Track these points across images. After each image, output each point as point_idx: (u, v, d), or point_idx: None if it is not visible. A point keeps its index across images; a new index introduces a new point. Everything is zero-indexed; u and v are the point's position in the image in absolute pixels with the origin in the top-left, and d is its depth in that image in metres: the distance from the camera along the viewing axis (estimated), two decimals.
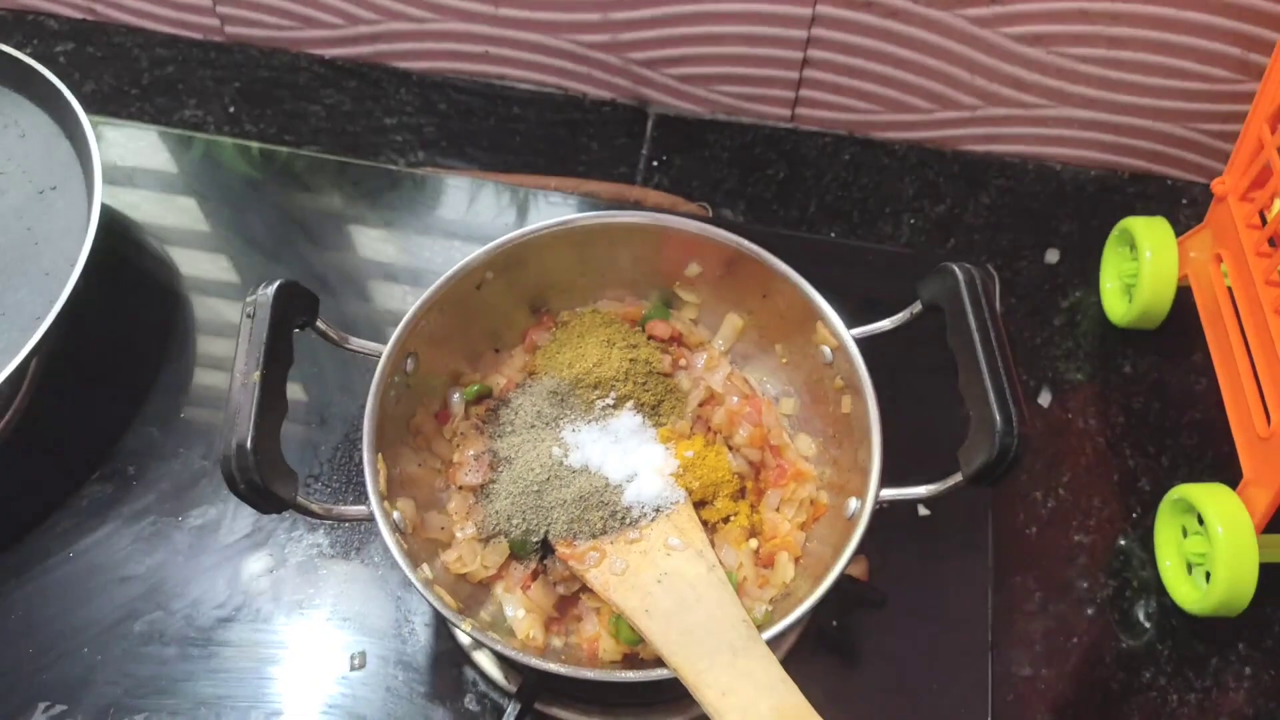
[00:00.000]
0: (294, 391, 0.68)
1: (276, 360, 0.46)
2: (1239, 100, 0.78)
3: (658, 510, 0.53)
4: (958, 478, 0.48)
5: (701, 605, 0.48)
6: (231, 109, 0.87)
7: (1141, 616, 0.66)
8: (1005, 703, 0.62)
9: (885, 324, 0.54)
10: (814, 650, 0.60)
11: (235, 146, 0.81)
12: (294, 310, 0.48)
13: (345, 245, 0.76)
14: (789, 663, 0.58)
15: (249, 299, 0.47)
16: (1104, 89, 0.80)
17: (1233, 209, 0.67)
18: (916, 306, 0.53)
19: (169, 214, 0.77)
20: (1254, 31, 0.74)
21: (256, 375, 0.45)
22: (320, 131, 0.86)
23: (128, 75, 0.89)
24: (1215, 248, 0.69)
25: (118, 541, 0.62)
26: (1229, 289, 0.68)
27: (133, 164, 0.79)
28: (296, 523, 0.63)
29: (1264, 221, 0.65)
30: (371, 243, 0.76)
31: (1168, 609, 0.66)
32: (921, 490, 0.49)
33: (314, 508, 0.46)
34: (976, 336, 0.48)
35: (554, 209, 0.78)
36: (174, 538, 0.62)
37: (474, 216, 0.78)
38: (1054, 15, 0.75)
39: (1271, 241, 0.65)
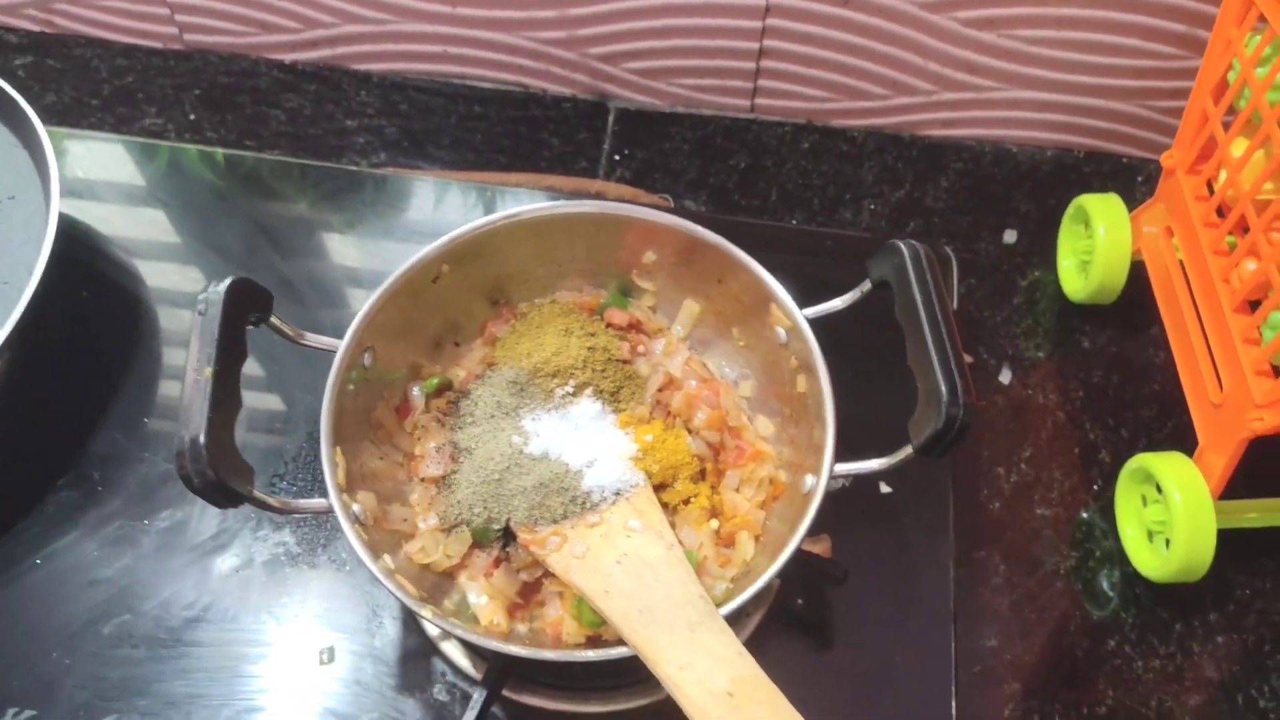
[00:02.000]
0: (257, 393, 0.69)
1: (229, 356, 0.46)
2: (1187, 76, 0.79)
3: (617, 494, 0.54)
4: (908, 450, 0.49)
5: (660, 584, 0.49)
6: (192, 116, 0.87)
7: (1105, 586, 0.67)
8: (972, 674, 0.63)
9: (837, 303, 0.55)
10: (779, 628, 0.60)
11: (200, 154, 0.81)
12: (246, 306, 0.49)
13: (312, 249, 0.77)
14: (755, 641, 0.59)
15: (200, 296, 0.48)
16: (1055, 70, 0.81)
17: (1181, 181, 0.68)
18: (866, 285, 0.54)
19: (134, 224, 0.77)
20: (1197, 7, 0.75)
21: (209, 371, 0.45)
22: (282, 135, 0.86)
23: (87, 86, 0.89)
24: (1166, 220, 0.70)
25: (85, 546, 0.62)
26: (1180, 261, 0.69)
27: (98, 176, 0.79)
28: (262, 522, 0.63)
29: (1211, 192, 0.66)
30: (338, 246, 0.76)
31: (1130, 578, 0.67)
32: (874, 464, 0.50)
33: (271, 502, 0.47)
34: (922, 310, 0.49)
35: (517, 204, 0.79)
36: (141, 541, 0.62)
37: (441, 216, 0.78)
38: None
39: (1219, 212, 0.66)
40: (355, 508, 0.51)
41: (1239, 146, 0.63)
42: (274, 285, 0.72)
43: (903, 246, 0.51)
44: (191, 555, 0.62)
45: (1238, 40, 0.62)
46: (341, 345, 0.53)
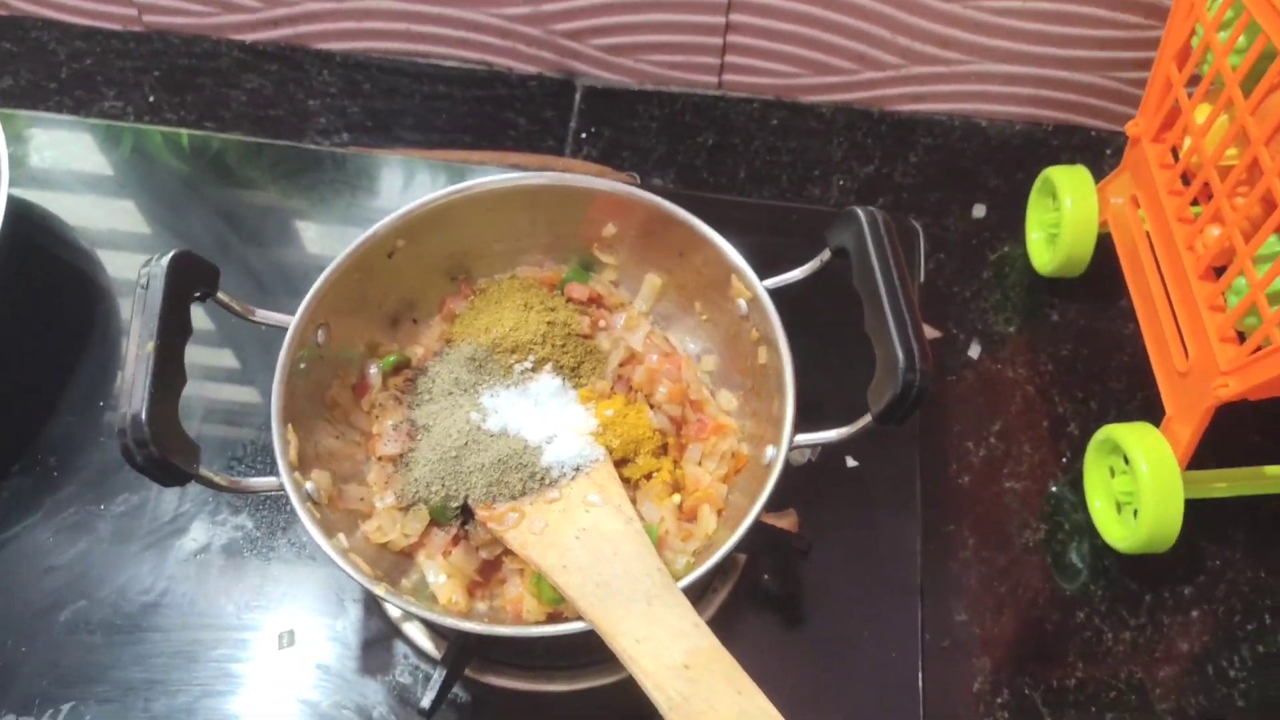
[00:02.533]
0: (217, 375, 0.68)
1: (172, 331, 0.45)
2: (1153, 46, 0.78)
3: (577, 469, 0.53)
4: (867, 418, 0.48)
5: (618, 558, 0.48)
6: (151, 98, 0.85)
7: (1075, 558, 0.67)
8: (941, 649, 0.62)
9: (796, 274, 0.54)
10: (746, 604, 0.60)
11: (164, 139, 0.80)
12: (191, 281, 0.48)
13: (276, 232, 0.75)
14: (722, 617, 0.58)
15: (142, 269, 0.46)
16: (1023, 42, 0.80)
17: (1146, 150, 0.68)
18: (826, 254, 0.53)
19: (93, 209, 0.76)
20: None
21: (151, 345, 0.44)
22: (242, 117, 0.85)
23: (45, 69, 0.87)
24: (1132, 190, 0.70)
25: (41, 533, 0.61)
26: (1146, 231, 0.68)
27: (59, 161, 0.77)
28: (220, 506, 0.62)
29: (1176, 159, 0.66)
30: (303, 228, 0.75)
31: (1100, 550, 0.66)
32: (834, 433, 0.49)
33: (218, 479, 0.46)
34: (879, 277, 0.48)
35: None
36: (97, 526, 0.61)
37: (408, 195, 0.77)
38: None
39: (1184, 179, 0.65)
40: (308, 486, 0.50)
41: (1202, 112, 0.62)
42: (238, 268, 0.72)
43: (860, 213, 0.50)
44: (148, 540, 0.61)
45: (1200, 4, 0.61)
46: (293, 321, 0.52)
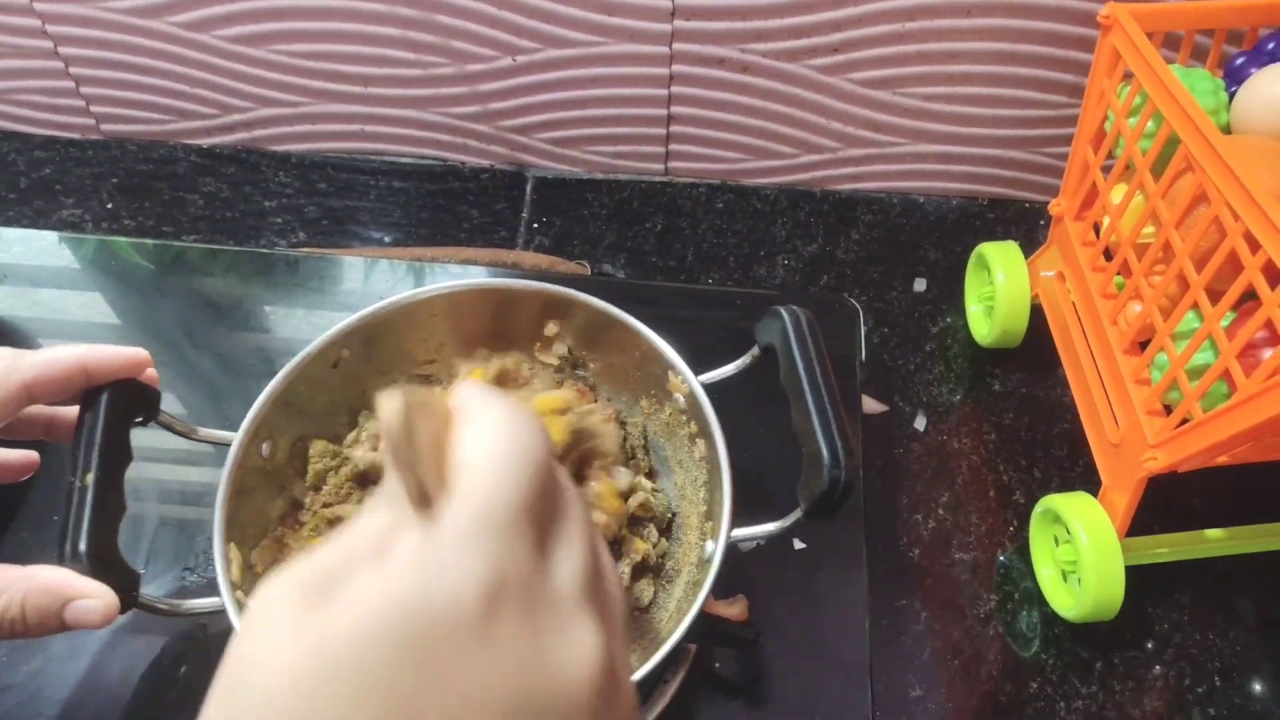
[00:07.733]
0: (171, 480, 0.68)
1: (111, 461, 0.46)
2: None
3: None
4: (798, 513, 0.49)
5: None
6: (109, 205, 0.87)
7: (1025, 628, 0.68)
8: None
9: (729, 369, 0.56)
10: (700, 693, 0.60)
11: (129, 242, 0.81)
12: (131, 409, 0.49)
13: (245, 320, 0.77)
14: (675, 706, 0.59)
15: (83, 400, 0.48)
16: (953, 124, 0.83)
17: (1069, 227, 0.70)
18: (755, 350, 0.55)
19: (48, 310, 0.77)
20: (1086, 58, 0.78)
21: (89, 477, 0.45)
22: (199, 220, 0.87)
23: (5, 180, 0.89)
24: (1059, 265, 0.72)
25: None
26: (1074, 304, 0.71)
27: (32, 263, 0.79)
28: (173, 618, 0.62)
29: (1098, 236, 0.68)
30: (271, 313, 0.76)
31: (1050, 619, 0.67)
32: (770, 527, 0.51)
33: (159, 605, 0.46)
34: (803, 376, 0.50)
35: (435, 279, 0.79)
36: (50, 642, 0.61)
37: (368, 290, 0.79)
38: (894, 59, 0.79)
39: (1107, 255, 0.68)
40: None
41: (1118, 193, 0.65)
42: (196, 369, 0.73)
43: (784, 312, 0.52)
44: (104, 655, 0.61)
45: (1110, 91, 0.64)
46: (236, 439, 0.53)
